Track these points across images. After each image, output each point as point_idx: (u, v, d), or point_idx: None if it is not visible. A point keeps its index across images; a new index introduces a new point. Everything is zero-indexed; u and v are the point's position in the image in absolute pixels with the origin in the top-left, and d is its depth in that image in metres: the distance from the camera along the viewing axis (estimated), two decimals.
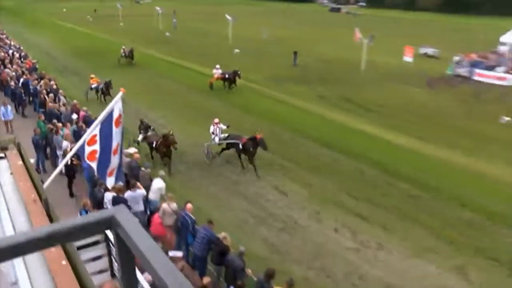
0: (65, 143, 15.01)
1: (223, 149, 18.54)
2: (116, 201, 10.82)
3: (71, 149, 10.19)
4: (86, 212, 10.26)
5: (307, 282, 11.20)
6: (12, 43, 43.19)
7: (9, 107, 20.63)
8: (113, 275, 5.75)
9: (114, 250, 5.28)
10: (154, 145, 17.41)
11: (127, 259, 1.37)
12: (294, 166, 18.41)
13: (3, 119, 20.21)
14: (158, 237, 10.53)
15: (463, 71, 38.84)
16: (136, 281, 1.49)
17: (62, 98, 22.37)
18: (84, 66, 37.18)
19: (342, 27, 58.46)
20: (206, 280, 8.43)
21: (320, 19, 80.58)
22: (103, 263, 5.77)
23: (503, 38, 41.12)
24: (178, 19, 63.56)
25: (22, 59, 34.17)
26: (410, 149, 21.18)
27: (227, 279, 9.51)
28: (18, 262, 3.31)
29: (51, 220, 4.10)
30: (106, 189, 11.54)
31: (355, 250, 12.79)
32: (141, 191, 12.00)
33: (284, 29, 60.81)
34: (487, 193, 16.77)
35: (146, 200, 12.39)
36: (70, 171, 14.41)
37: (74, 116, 18.68)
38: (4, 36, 47.57)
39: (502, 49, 41.33)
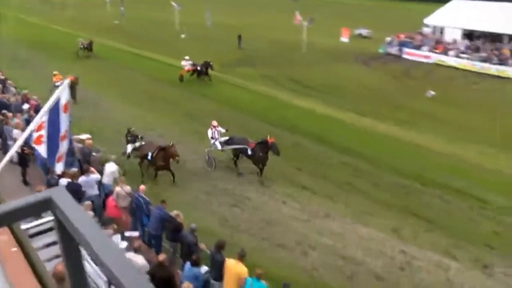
0: (16, 131, 14.29)
1: (235, 161, 16.11)
2: (70, 187, 10.49)
3: None
4: None
5: (260, 252, 11.37)
6: None
7: None
8: None
9: None
10: (149, 157, 14.63)
11: (67, 240, 1.32)
12: None
13: None
14: (113, 219, 10.34)
15: (393, 50, 40.24)
16: (80, 264, 1.43)
17: (12, 88, 21.16)
18: (37, 58, 33.56)
19: (283, 11, 58.43)
20: (162, 257, 8.37)
21: (262, 4, 80.00)
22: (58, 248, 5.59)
23: (426, 21, 42.94)
24: (125, 7, 61.35)
25: None
26: (349, 123, 21.80)
27: (183, 255, 9.50)
28: None
29: None
30: (61, 176, 11.16)
31: (304, 221, 13.07)
32: (95, 176, 11.68)
33: (228, 15, 60.14)
34: (418, 161, 17.58)
35: (100, 184, 12.09)
36: (23, 160, 13.79)
37: (26, 106, 17.78)
38: None
39: (426, 30, 43.09)
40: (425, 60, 38.01)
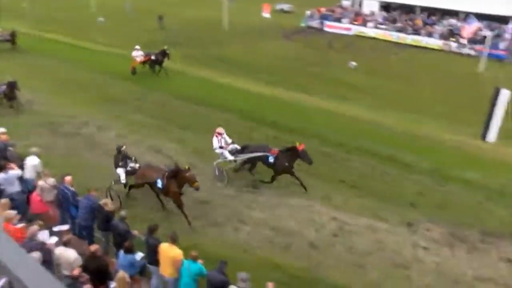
0: None
1: (250, 170, 14.35)
2: None
3: None
4: None
5: (193, 232, 11.40)
6: None
7: None
8: None
9: None
10: (160, 185, 11.83)
11: None
12: (167, 125, 18.21)
13: None
14: (39, 214, 9.94)
15: (315, 23, 41.16)
16: None
17: None
18: None
19: None
20: (94, 247, 8.20)
21: None
22: None
23: None
24: None
25: None
26: (274, 96, 22.22)
27: (116, 243, 9.36)
28: None
29: None
30: None
31: (232, 197, 13.19)
32: (15, 172, 11.07)
33: None
34: (343, 130, 18.37)
35: (21, 180, 11.49)
36: None
37: None
38: None
39: (345, 3, 44.49)
40: (345, 32, 39.34)
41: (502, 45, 33.65)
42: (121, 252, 8.54)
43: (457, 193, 14.26)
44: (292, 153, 13.39)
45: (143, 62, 24.99)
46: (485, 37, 31.91)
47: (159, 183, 11.73)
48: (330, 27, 40.38)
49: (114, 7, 44.89)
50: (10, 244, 1.17)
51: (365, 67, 28.45)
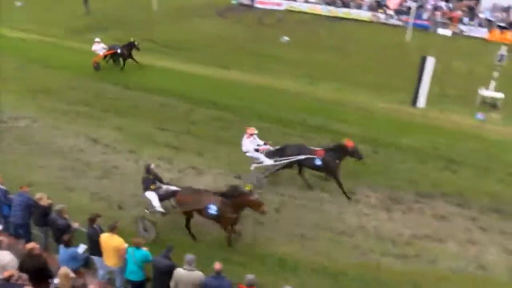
0: None
1: (300, 172, 13.04)
2: None
3: None
4: None
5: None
6: None
7: None
8: None
9: None
10: (214, 211, 9.99)
11: None
12: (100, 113, 17.57)
13: None
14: None
15: (245, 0, 40.99)
16: None
17: None
18: None
19: None
20: (30, 245, 7.79)
21: None
22: None
23: None
24: None
25: None
26: (210, 76, 22.06)
27: (55, 238, 8.99)
28: None
29: None
30: None
31: (175, 180, 12.99)
32: None
33: None
34: (279, 105, 18.61)
35: None
36: None
37: None
38: None
39: None
40: (276, 7, 39.53)
41: (425, 15, 35.18)
42: (61, 246, 8.25)
43: (392, 158, 14.89)
44: (340, 151, 12.27)
45: (106, 56, 22.77)
46: (409, 8, 33.23)
47: (213, 209, 10.06)
48: (261, 3, 40.35)
49: None
50: None
51: (297, 42, 28.78)
